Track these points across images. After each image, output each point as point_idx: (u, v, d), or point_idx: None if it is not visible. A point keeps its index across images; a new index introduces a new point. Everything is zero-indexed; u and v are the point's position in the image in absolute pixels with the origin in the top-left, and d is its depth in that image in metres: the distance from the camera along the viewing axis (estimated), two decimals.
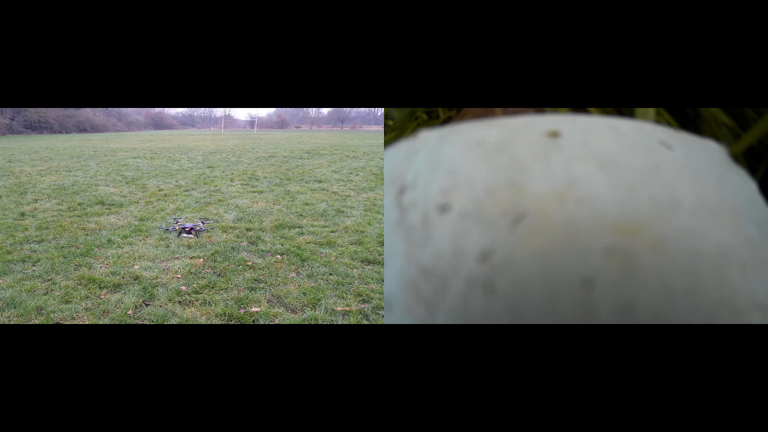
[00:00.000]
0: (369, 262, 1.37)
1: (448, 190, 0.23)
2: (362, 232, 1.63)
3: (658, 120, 0.32)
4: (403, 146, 0.27)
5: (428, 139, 0.26)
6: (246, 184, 2.61)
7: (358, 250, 1.40)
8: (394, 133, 0.45)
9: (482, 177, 0.23)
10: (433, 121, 0.46)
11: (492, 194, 0.22)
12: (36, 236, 1.44)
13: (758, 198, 0.26)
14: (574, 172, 0.22)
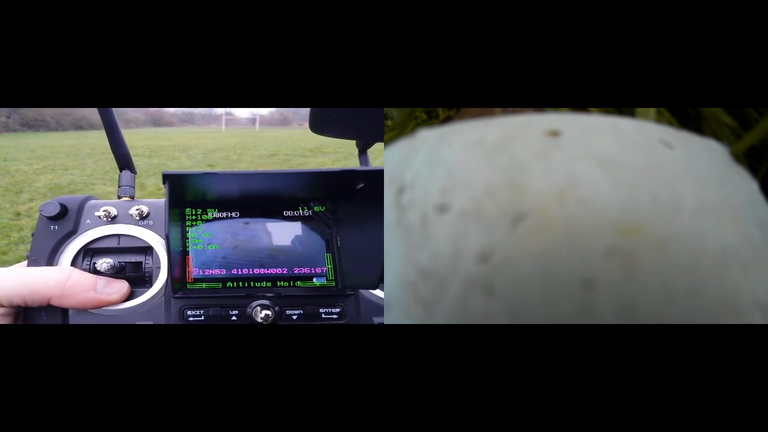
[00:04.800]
0: None
1: (447, 190, 0.23)
2: None
3: (659, 119, 0.31)
4: (402, 146, 0.26)
5: (427, 138, 0.25)
6: None
7: None
8: (393, 133, 0.45)
9: (481, 176, 0.22)
10: (433, 120, 0.45)
11: (491, 194, 0.22)
12: (32, 237, 1.44)
13: (760, 198, 0.25)
14: (575, 171, 0.22)
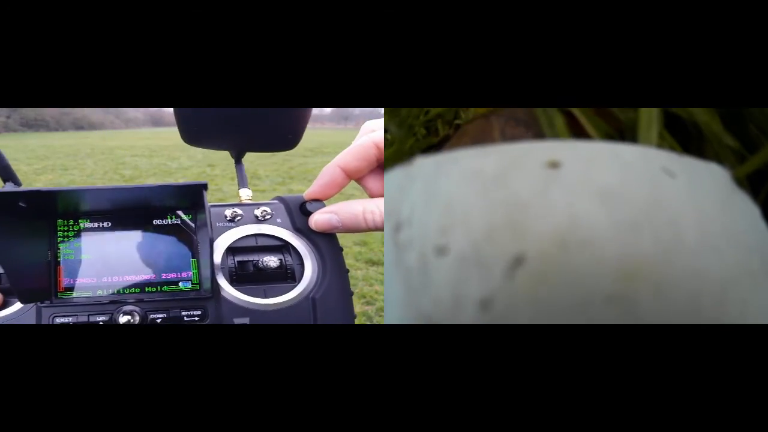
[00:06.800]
0: (373, 263, 1.36)
1: (445, 229, 0.22)
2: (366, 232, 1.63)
3: (661, 144, 0.31)
4: (398, 174, 0.26)
5: (424, 166, 0.25)
6: None
7: (363, 251, 1.40)
8: (392, 148, 0.44)
9: (480, 216, 0.22)
10: (431, 137, 0.45)
11: (490, 236, 0.21)
12: None
13: (761, 224, 0.25)
14: (576, 209, 0.21)
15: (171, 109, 0.37)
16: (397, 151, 0.44)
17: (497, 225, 0.22)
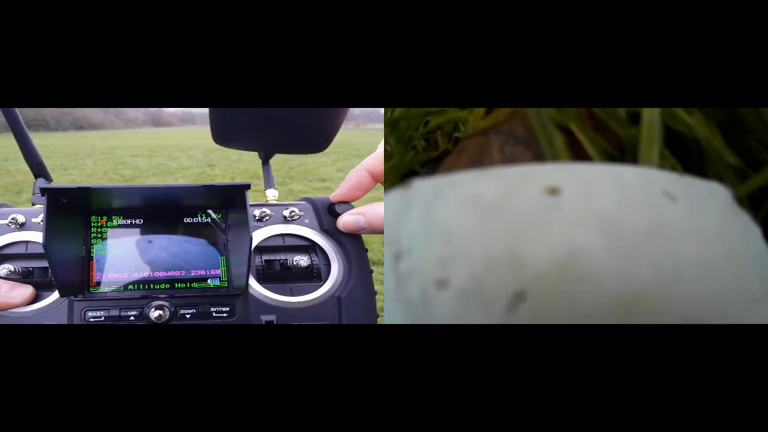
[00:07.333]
0: (373, 263, 1.36)
1: (445, 262, 0.22)
2: None
3: (662, 164, 0.31)
4: (396, 198, 0.26)
5: (422, 190, 0.25)
6: None
7: None
8: (392, 162, 0.44)
9: (480, 247, 0.22)
10: (431, 151, 0.45)
11: (490, 269, 0.21)
12: None
13: (761, 245, 0.25)
14: (575, 240, 0.21)
15: (171, 110, 0.38)
16: (396, 165, 0.44)
17: (497, 257, 0.21)
